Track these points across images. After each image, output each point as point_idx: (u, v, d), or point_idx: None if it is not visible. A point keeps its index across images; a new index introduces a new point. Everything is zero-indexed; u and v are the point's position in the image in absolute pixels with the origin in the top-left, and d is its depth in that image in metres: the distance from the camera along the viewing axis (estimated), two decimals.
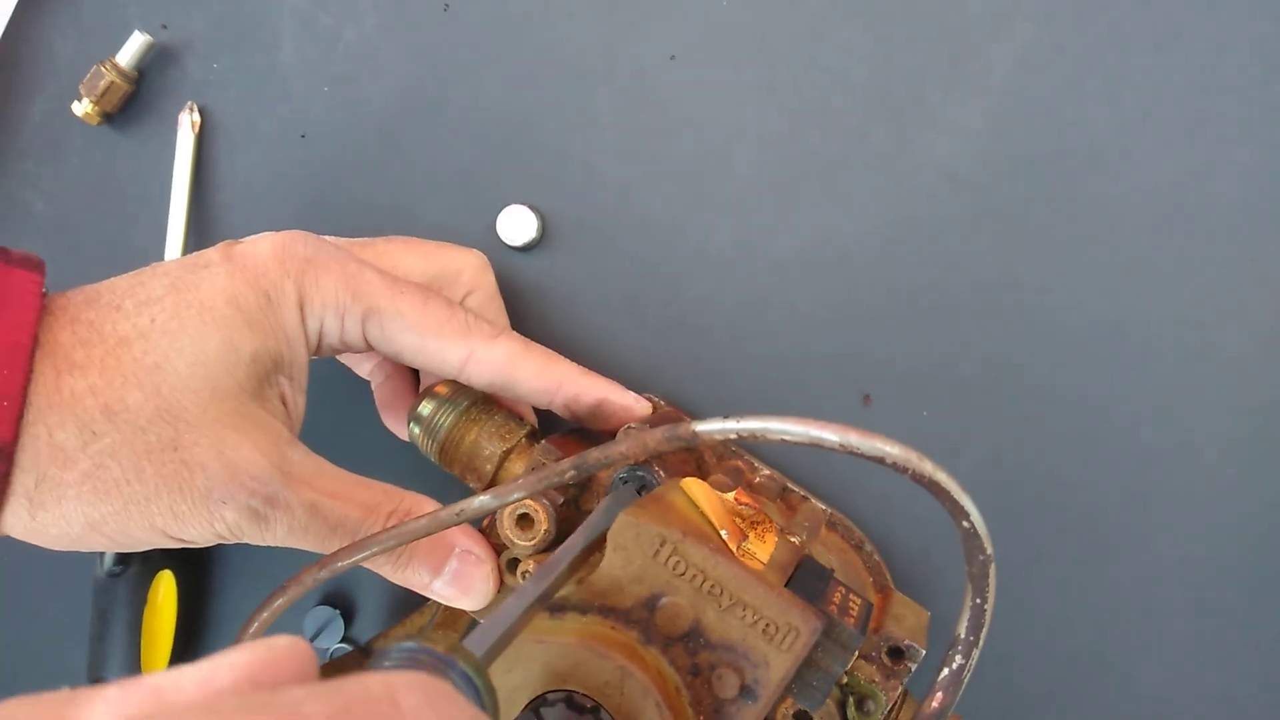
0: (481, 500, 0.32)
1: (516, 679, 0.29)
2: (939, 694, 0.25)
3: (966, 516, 0.24)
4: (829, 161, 0.40)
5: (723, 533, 0.31)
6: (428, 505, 0.36)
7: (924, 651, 0.34)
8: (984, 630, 0.25)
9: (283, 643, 0.19)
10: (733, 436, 0.26)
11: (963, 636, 0.25)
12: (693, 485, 0.33)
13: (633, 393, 0.39)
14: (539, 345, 0.38)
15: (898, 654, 0.35)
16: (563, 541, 0.37)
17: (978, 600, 0.25)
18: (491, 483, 0.39)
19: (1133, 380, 0.39)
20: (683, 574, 0.29)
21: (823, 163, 0.40)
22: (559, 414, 0.39)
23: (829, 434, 0.24)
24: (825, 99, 0.40)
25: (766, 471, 0.40)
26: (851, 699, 0.35)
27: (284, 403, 0.35)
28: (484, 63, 0.43)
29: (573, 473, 0.30)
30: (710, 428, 0.26)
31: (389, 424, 0.43)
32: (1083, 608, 0.40)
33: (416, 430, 0.40)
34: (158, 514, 0.32)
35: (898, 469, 0.24)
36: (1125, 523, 0.39)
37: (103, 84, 0.44)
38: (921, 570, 0.41)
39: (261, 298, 0.33)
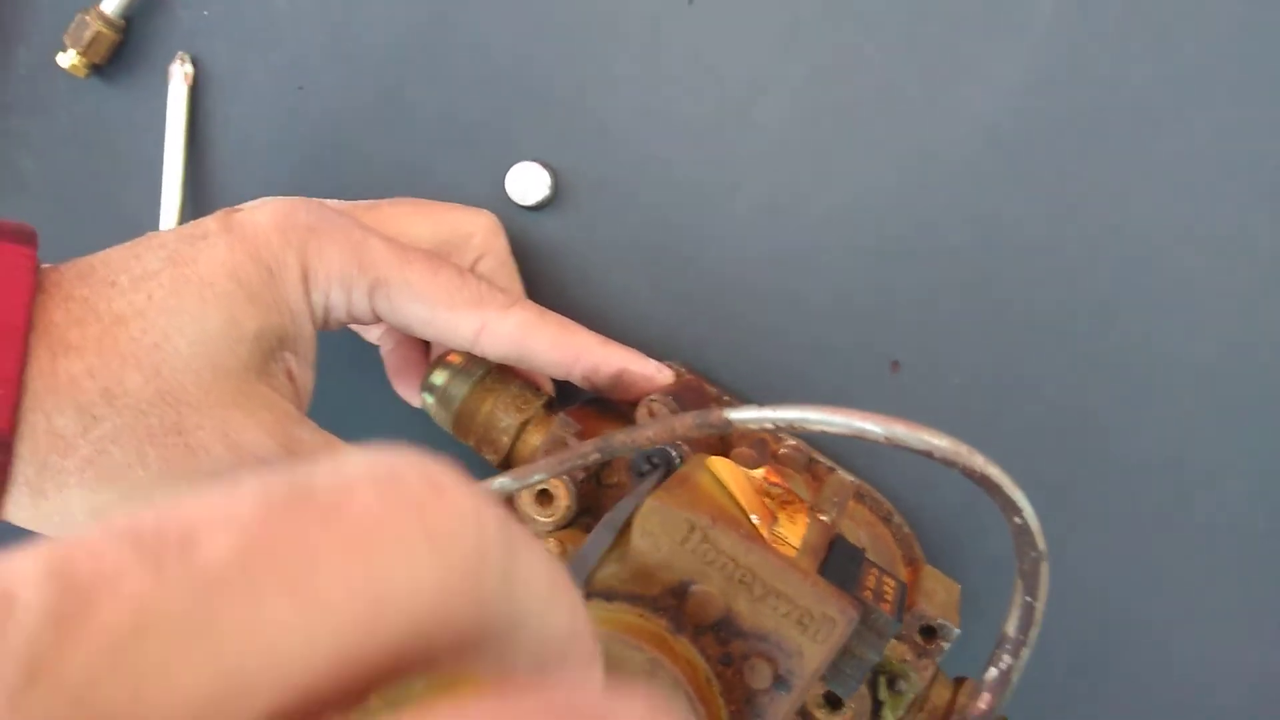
0: (501, 481, 0.31)
1: None
2: (986, 695, 0.24)
3: (1019, 512, 0.23)
4: (859, 115, 0.38)
5: (753, 517, 0.29)
6: None
7: (957, 630, 0.33)
8: (1034, 630, 0.24)
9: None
10: (768, 426, 0.24)
11: (1011, 635, 0.24)
12: (719, 464, 0.31)
13: (654, 361, 0.37)
14: (555, 314, 0.36)
15: (930, 633, 0.34)
16: (583, 517, 0.36)
17: (1028, 598, 0.24)
18: (508, 455, 0.38)
19: (1180, 346, 0.37)
20: (713, 561, 0.28)
21: (852, 116, 0.38)
22: (577, 384, 0.37)
23: (873, 425, 0.23)
24: (855, 47, 0.38)
25: (792, 442, 0.39)
26: (883, 678, 0.34)
27: (290, 379, 0.34)
28: (492, 10, 0.40)
29: (596, 455, 0.29)
30: (744, 416, 0.25)
31: (400, 391, 0.42)
32: (1121, 575, 0.39)
33: (430, 400, 0.39)
34: (162, 500, 0.30)
35: (946, 463, 0.23)
36: (1166, 490, 0.38)
37: (88, 34, 0.42)
38: (952, 537, 0.40)
39: (263, 271, 0.32)
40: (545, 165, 0.41)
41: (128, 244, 0.32)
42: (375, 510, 0.12)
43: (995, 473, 0.23)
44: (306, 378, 0.34)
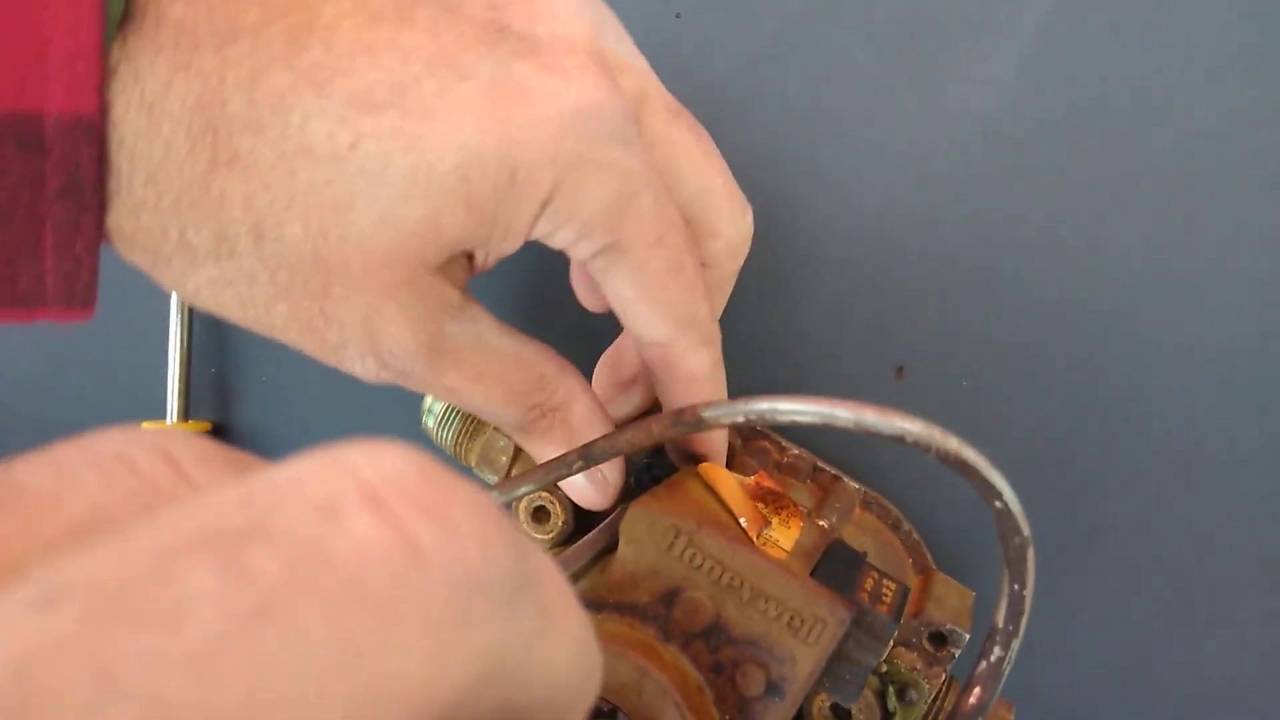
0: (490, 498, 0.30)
1: None
2: (977, 688, 0.23)
3: (999, 496, 0.22)
4: (851, 119, 0.38)
5: (742, 520, 0.29)
6: (581, 395, 0.31)
7: (967, 636, 0.32)
8: (1024, 619, 0.23)
9: None
10: (740, 420, 0.24)
11: (1001, 626, 0.23)
12: (710, 470, 0.31)
13: None
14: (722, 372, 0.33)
15: (940, 639, 0.33)
16: (581, 534, 0.36)
17: (1015, 586, 0.23)
18: (507, 474, 0.37)
19: (1188, 343, 0.36)
20: (700, 566, 0.28)
21: (845, 121, 0.38)
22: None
23: (842, 412, 0.22)
24: (845, 52, 0.37)
25: (795, 451, 0.38)
26: (892, 688, 0.33)
27: (472, 268, 0.29)
28: None
29: (580, 463, 0.29)
30: (717, 412, 0.24)
31: (578, 293, 0.37)
32: (1143, 587, 0.38)
33: (429, 423, 0.39)
34: (278, 338, 0.27)
35: (920, 448, 0.22)
36: (1184, 495, 0.37)
37: None
38: (966, 550, 0.39)
39: (504, 178, 0.25)
40: None
41: (373, 27, 0.24)
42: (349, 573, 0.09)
43: (971, 456, 0.22)
44: (489, 264, 0.29)
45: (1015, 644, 0.23)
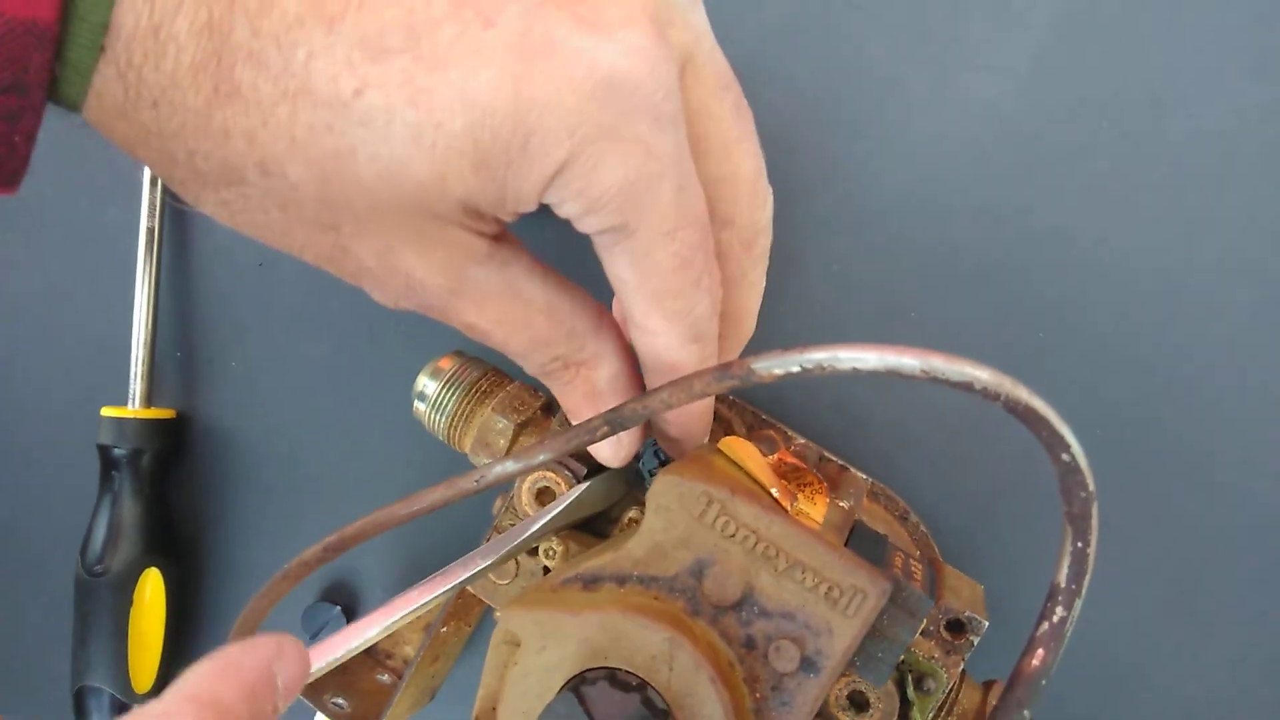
0: (503, 465, 0.29)
1: (550, 658, 0.26)
2: (1040, 650, 0.22)
3: (1066, 448, 0.22)
4: (863, 109, 0.37)
5: (773, 491, 0.28)
6: (610, 357, 0.30)
7: (986, 623, 0.32)
8: (1087, 577, 0.22)
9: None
10: (795, 370, 0.23)
11: (1063, 585, 0.22)
12: (735, 444, 0.30)
13: None
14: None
15: (958, 627, 0.32)
16: (585, 517, 0.34)
17: (1079, 544, 0.22)
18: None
19: (1196, 341, 0.36)
20: (733, 535, 0.26)
21: (855, 109, 0.38)
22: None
23: (909, 360, 0.21)
24: (858, 41, 0.37)
25: (801, 441, 0.37)
26: (910, 677, 0.32)
27: (494, 221, 0.27)
28: None
29: (605, 429, 0.27)
30: (770, 363, 0.23)
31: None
32: (1145, 585, 0.37)
33: (421, 407, 0.37)
34: (301, 258, 0.26)
35: (989, 396, 0.21)
36: (1190, 494, 0.37)
37: None
38: (969, 545, 0.38)
39: (517, 142, 0.23)
40: None
41: None
42: None
43: (1040, 405, 0.21)
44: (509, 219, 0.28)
45: (1078, 604, 0.22)
